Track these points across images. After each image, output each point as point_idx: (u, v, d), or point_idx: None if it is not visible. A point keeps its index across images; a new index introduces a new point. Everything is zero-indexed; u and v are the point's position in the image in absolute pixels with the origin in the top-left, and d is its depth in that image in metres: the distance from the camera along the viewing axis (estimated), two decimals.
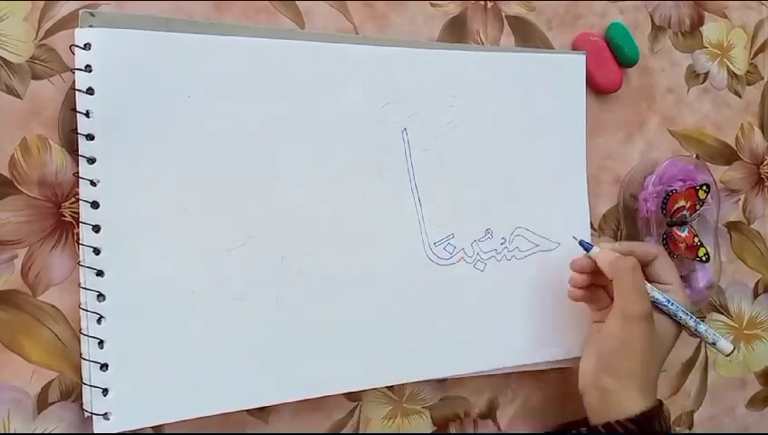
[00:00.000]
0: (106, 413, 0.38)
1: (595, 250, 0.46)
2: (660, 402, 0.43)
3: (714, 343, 0.46)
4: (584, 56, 0.51)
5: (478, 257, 0.47)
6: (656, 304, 0.45)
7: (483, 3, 0.50)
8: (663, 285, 0.46)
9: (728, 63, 0.59)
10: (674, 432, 0.43)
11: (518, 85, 0.49)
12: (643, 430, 0.41)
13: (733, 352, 0.46)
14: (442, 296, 0.46)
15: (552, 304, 0.49)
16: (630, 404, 0.42)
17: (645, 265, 0.46)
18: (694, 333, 0.46)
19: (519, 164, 0.49)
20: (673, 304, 0.45)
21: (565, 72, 0.50)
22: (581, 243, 0.46)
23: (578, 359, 0.46)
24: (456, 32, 0.49)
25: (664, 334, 0.45)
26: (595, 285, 0.47)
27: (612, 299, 0.44)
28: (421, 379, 0.47)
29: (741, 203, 0.59)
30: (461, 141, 0.47)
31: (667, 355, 0.46)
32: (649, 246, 0.47)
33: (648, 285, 0.45)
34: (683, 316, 0.45)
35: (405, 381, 0.46)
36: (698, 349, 0.57)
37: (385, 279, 0.45)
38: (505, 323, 0.48)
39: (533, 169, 0.49)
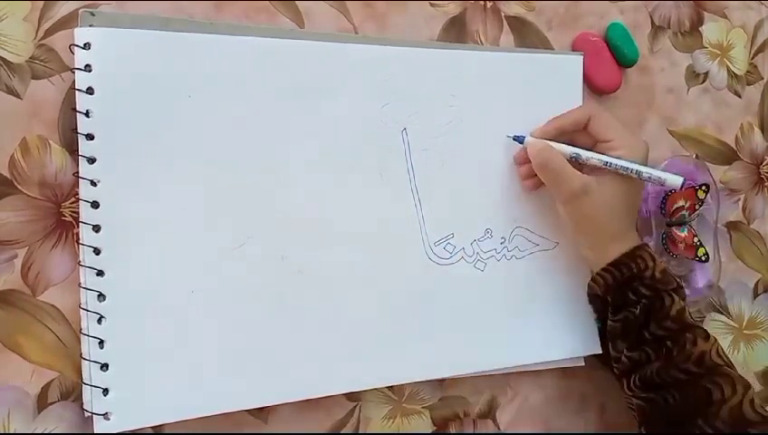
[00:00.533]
0: (106, 413, 0.38)
1: (527, 140, 0.47)
2: (633, 248, 0.44)
3: (662, 183, 0.45)
4: (581, 57, 0.51)
5: (478, 257, 0.48)
6: (596, 168, 0.45)
7: (482, 3, 0.50)
8: (605, 143, 0.45)
9: (728, 63, 0.59)
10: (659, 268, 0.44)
11: (517, 85, 0.49)
12: (620, 272, 0.44)
13: (684, 183, 0.45)
14: (442, 296, 0.46)
15: (552, 304, 0.49)
16: (612, 254, 0.44)
17: (583, 129, 0.46)
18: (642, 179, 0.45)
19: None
20: (610, 163, 0.44)
21: (563, 72, 0.50)
22: (515, 138, 0.47)
23: (578, 358, 0.46)
24: (456, 32, 0.49)
25: (619, 195, 0.45)
26: None
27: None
28: (421, 379, 0.47)
29: (741, 203, 0.59)
30: (461, 141, 0.47)
31: (635, 203, 0.46)
32: (578, 111, 0.47)
33: (583, 153, 0.45)
34: (624, 171, 0.44)
35: (405, 382, 0.46)
36: None
37: (385, 279, 0.45)
38: (505, 322, 0.48)
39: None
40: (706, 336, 0.43)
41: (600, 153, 0.45)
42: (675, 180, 0.44)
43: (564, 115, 0.47)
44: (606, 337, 0.47)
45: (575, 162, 0.45)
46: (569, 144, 0.46)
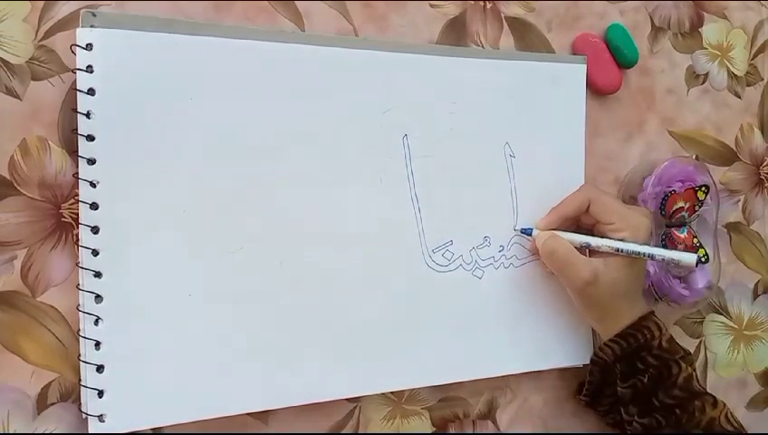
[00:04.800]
0: (101, 415, 0.38)
1: (534, 233, 0.47)
2: (641, 318, 0.45)
3: (677, 263, 0.45)
4: (585, 64, 0.51)
5: (476, 264, 0.47)
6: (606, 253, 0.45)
7: (482, 4, 0.50)
8: (607, 225, 0.45)
9: (728, 64, 0.59)
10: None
11: (519, 92, 0.49)
12: (627, 343, 0.45)
13: (699, 260, 0.45)
14: (440, 303, 0.46)
15: (549, 312, 0.49)
16: (621, 324, 0.45)
17: (584, 213, 0.47)
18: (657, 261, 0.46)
19: (518, 171, 0.49)
20: (621, 250, 0.44)
21: (565, 79, 0.50)
22: (523, 231, 0.48)
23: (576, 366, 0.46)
24: (456, 33, 0.49)
25: (626, 274, 0.45)
26: None
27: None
28: (419, 386, 0.47)
29: (740, 204, 0.59)
30: (462, 148, 0.47)
31: (641, 275, 0.47)
32: (577, 197, 0.47)
33: (593, 242, 0.45)
34: (635, 255, 0.44)
35: (403, 388, 0.46)
36: (698, 349, 0.57)
37: (383, 285, 0.45)
38: (503, 330, 0.48)
39: (532, 176, 0.49)
40: (714, 403, 0.44)
41: (608, 239, 0.45)
42: (689, 259, 0.45)
43: (564, 203, 0.47)
44: (596, 400, 0.49)
45: (584, 251, 0.46)
46: (574, 231, 0.47)
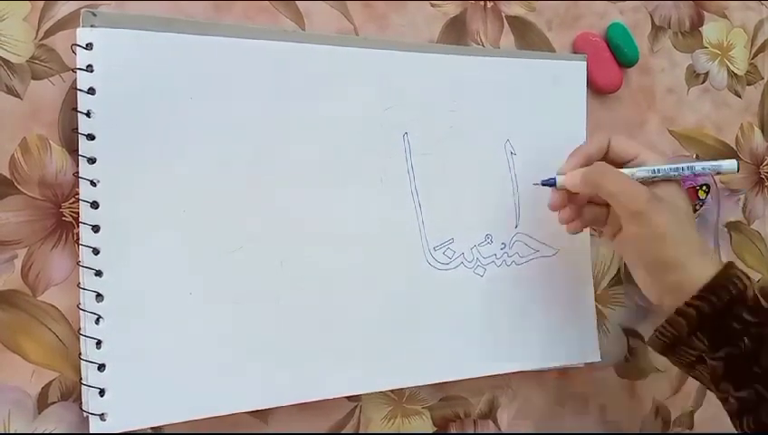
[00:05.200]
0: (102, 414, 0.38)
1: (560, 180, 0.44)
2: (726, 266, 0.38)
3: (718, 172, 0.42)
4: (585, 62, 0.51)
5: (478, 262, 0.47)
6: (645, 181, 0.41)
7: (482, 3, 0.50)
8: (632, 161, 0.43)
9: (728, 63, 0.59)
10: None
11: (519, 90, 0.49)
12: (717, 298, 0.37)
13: (738, 165, 0.41)
14: (441, 301, 0.46)
15: (551, 310, 0.49)
16: (700, 275, 0.38)
17: (605, 156, 0.43)
18: (696, 176, 0.42)
19: (519, 169, 0.49)
20: (657, 170, 0.41)
21: (566, 77, 0.50)
22: (543, 182, 0.44)
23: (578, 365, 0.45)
24: (456, 32, 0.49)
25: (684, 204, 0.41)
26: (581, 207, 0.44)
27: (605, 205, 0.42)
28: (421, 384, 0.47)
29: (741, 203, 0.59)
30: (462, 146, 0.47)
31: (694, 212, 0.42)
32: (596, 140, 0.44)
33: (626, 171, 0.42)
34: (675, 174, 0.41)
35: (404, 386, 0.46)
36: None
37: (384, 283, 0.45)
38: (504, 329, 0.48)
39: (533, 173, 0.49)
40: None
41: (638, 167, 0.42)
42: (730, 165, 0.41)
43: (585, 145, 0.44)
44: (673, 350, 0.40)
45: None
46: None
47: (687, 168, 0.41)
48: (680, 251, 0.38)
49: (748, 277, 0.38)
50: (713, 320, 0.37)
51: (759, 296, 0.38)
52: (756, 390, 0.37)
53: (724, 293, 0.37)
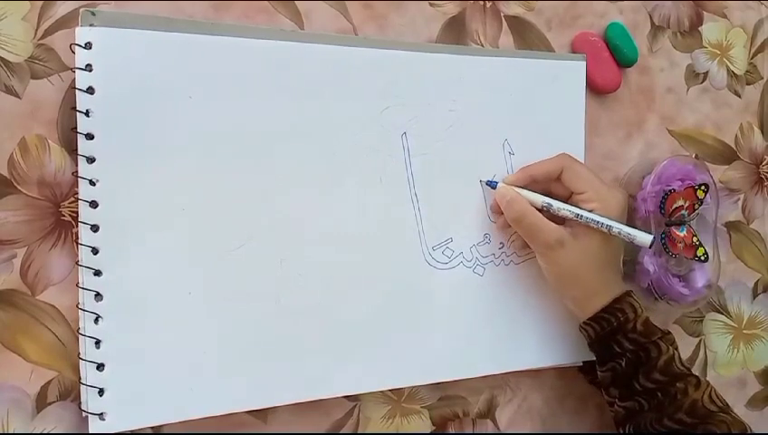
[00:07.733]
0: (102, 413, 0.38)
1: (499, 187, 0.46)
2: (615, 300, 0.44)
3: (632, 240, 0.44)
4: (584, 61, 0.51)
5: (477, 262, 0.47)
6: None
7: (482, 3, 0.50)
8: (578, 195, 0.45)
9: (728, 63, 0.59)
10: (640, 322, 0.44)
11: (518, 90, 0.49)
12: (600, 326, 0.44)
13: (653, 241, 0.44)
14: (441, 300, 0.46)
15: (550, 310, 0.49)
16: (594, 307, 0.44)
17: (556, 180, 0.46)
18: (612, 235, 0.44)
19: (517, 169, 0.48)
20: (581, 216, 0.44)
21: (565, 77, 0.50)
22: (488, 183, 0.47)
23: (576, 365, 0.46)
24: (455, 32, 0.49)
25: (598, 247, 0.44)
26: None
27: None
28: (420, 383, 0.47)
29: (740, 203, 0.59)
30: (461, 146, 0.47)
31: (616, 255, 0.46)
32: (551, 162, 0.46)
33: (555, 204, 0.44)
34: (595, 225, 0.43)
35: (403, 386, 0.46)
36: (697, 349, 0.57)
37: (383, 283, 0.45)
38: (503, 327, 0.48)
39: None
40: (698, 383, 0.43)
41: (572, 205, 0.44)
42: (644, 238, 0.44)
43: (536, 165, 0.46)
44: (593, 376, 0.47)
45: (547, 212, 0.45)
46: (545, 194, 0.45)
47: (606, 226, 0.44)
48: (580, 290, 0.45)
49: (635, 311, 0.44)
50: (600, 340, 0.44)
51: (641, 328, 0.44)
52: (638, 401, 0.43)
53: (605, 323, 0.44)
